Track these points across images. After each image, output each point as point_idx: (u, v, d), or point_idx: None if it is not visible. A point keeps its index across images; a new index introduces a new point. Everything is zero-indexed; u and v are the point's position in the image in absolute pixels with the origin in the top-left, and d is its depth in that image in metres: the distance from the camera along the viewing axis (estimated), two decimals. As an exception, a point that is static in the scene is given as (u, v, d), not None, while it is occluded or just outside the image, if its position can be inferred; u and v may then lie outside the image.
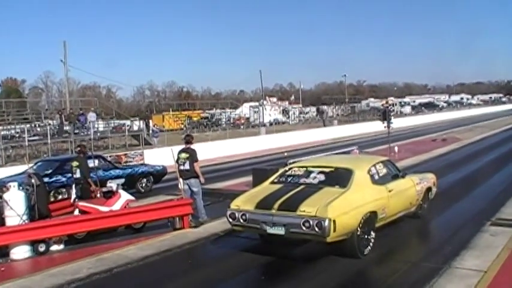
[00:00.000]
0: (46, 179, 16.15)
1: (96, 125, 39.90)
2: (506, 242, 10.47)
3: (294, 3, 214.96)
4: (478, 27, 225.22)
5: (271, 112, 71.76)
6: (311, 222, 9.16)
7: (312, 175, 10.97)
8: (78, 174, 14.06)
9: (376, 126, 37.42)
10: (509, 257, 9.63)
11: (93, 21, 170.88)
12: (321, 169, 11.14)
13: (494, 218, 12.56)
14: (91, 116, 40.43)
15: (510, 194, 15.45)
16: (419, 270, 9.31)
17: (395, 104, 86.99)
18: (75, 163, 14.27)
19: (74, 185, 14.20)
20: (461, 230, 11.78)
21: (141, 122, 43.43)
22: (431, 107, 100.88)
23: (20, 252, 11.11)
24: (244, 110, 75.30)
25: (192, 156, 13.48)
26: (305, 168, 11.43)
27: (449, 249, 10.25)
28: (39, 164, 19.45)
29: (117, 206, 13.15)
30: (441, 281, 8.54)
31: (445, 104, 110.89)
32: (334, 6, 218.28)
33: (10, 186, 11.76)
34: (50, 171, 18.06)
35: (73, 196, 13.92)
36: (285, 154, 23.87)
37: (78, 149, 14.95)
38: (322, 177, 10.81)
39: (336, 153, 20.13)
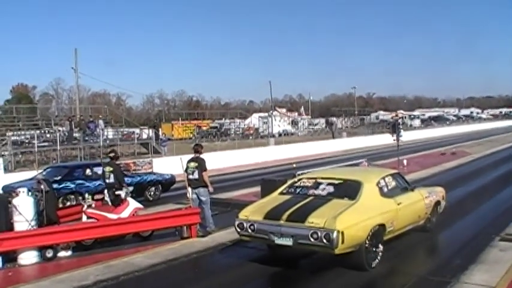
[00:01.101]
0: (55, 185, 16.22)
1: (105, 133, 40.03)
2: (515, 258, 10.41)
3: (305, 15, 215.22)
4: (490, 42, 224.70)
5: (280, 123, 71.82)
6: (319, 234, 9.13)
7: (321, 187, 10.94)
8: (111, 179, 14.06)
9: (385, 139, 37.34)
10: (518, 272, 9.56)
11: (105, 29, 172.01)
12: (329, 181, 11.11)
13: (503, 233, 12.47)
14: (100, 123, 40.57)
15: (520, 209, 15.38)
16: (427, 284, 9.26)
17: (405, 117, 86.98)
18: (108, 168, 14.24)
19: (106, 190, 14.24)
20: (470, 245, 11.72)
21: (150, 130, 43.54)
22: (441, 120, 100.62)
23: (28, 258, 11.14)
24: (254, 120, 75.43)
25: (201, 166, 13.50)
26: (314, 180, 11.41)
27: (458, 263, 10.20)
28: (48, 170, 19.56)
29: (125, 213, 13.18)
30: (449, 295, 8.50)
31: (454, 118, 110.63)
32: (345, 19, 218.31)
33: (19, 191, 11.82)
34: (59, 177, 18.15)
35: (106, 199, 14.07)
36: (294, 165, 23.85)
37: (112, 154, 14.92)
38: (331, 188, 10.78)
39: (345, 166, 20.09)
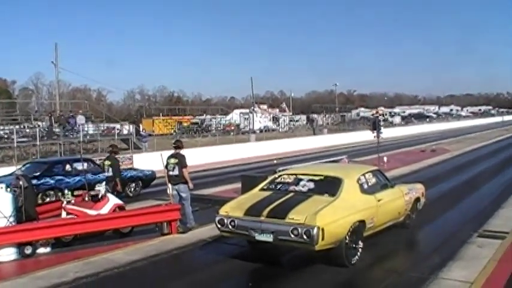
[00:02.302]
0: (34, 181, 16.06)
1: (85, 128, 39.73)
2: (492, 254, 10.52)
3: (286, 12, 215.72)
4: (470, 40, 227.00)
5: (261, 119, 71.73)
6: (299, 230, 9.15)
7: (302, 183, 10.97)
8: (110, 173, 14.76)
9: (365, 136, 37.54)
10: (495, 268, 9.68)
11: (86, 23, 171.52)
12: (310, 177, 11.14)
13: (481, 230, 12.62)
14: (80, 118, 40.25)
15: (498, 205, 15.57)
16: (406, 280, 9.33)
17: (386, 114, 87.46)
18: (107, 162, 14.97)
19: (104, 183, 14.41)
20: (449, 241, 11.83)
21: (131, 126, 43.32)
22: (421, 117, 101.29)
23: (6, 254, 11.03)
24: (235, 116, 75.23)
25: (181, 162, 13.47)
26: (295, 176, 11.43)
27: (437, 259, 10.28)
28: (27, 165, 19.38)
29: (105, 209, 13.09)
30: (428, 291, 8.57)
31: (434, 115, 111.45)
32: (326, 16, 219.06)
33: (-3, 187, 11.68)
34: (38, 173, 17.97)
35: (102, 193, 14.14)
36: (275, 162, 23.90)
37: (110, 148, 15.79)
38: (311, 185, 10.81)
39: (326, 162, 20.15)
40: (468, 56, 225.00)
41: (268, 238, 9.63)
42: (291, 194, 10.56)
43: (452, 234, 12.49)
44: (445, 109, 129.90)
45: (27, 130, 38.08)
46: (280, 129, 72.82)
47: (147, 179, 20.70)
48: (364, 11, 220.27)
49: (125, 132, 42.32)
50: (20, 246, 11.17)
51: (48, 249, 11.72)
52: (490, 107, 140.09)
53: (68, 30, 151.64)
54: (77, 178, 18.08)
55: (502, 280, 9.14)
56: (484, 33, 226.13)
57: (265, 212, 9.84)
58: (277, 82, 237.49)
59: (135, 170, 21.70)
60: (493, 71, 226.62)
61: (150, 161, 22.98)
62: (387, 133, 35.01)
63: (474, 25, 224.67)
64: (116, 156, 15.70)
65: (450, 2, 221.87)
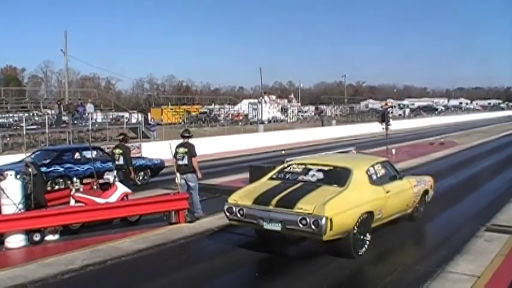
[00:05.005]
0: (43, 169, 16.13)
1: (94, 116, 39.81)
2: (500, 248, 10.50)
3: (295, 2, 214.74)
4: (479, 33, 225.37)
5: (269, 110, 71.66)
6: (308, 220, 9.16)
7: (311, 173, 10.96)
8: (121, 161, 14.76)
9: (374, 128, 37.42)
10: (502, 263, 9.66)
11: (95, 13, 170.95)
12: (319, 167, 11.13)
13: (489, 224, 12.58)
14: (89, 107, 40.32)
15: (506, 200, 15.50)
16: (412, 273, 9.31)
17: (394, 106, 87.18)
18: (118, 150, 14.93)
19: (115, 171, 14.60)
20: (456, 235, 11.81)
21: (140, 114, 43.34)
22: (430, 110, 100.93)
23: (15, 241, 11.08)
24: (243, 106, 75.23)
25: (191, 151, 13.48)
26: (304, 166, 11.41)
27: (444, 253, 10.28)
28: (37, 153, 19.41)
29: (113, 198, 13.12)
30: (434, 284, 8.56)
31: (443, 108, 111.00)
32: (335, 6, 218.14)
33: (7, 174, 11.72)
34: (47, 161, 18.01)
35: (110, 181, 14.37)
36: (283, 152, 23.80)
37: (121, 137, 15.67)
38: (320, 175, 10.80)
39: (334, 153, 20.10)
40: (477, 50, 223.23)
41: (277, 227, 9.65)
42: (300, 184, 10.57)
43: (459, 227, 12.47)
44: (454, 102, 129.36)
45: (36, 118, 38.18)
46: (289, 120, 72.73)
47: (155, 168, 20.74)
48: (373, 4, 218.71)
49: (134, 121, 42.37)
50: (29, 233, 11.23)
51: (56, 237, 11.78)
52: (500, 101, 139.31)
53: (77, 19, 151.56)
54: (86, 166, 18.14)
55: (509, 275, 9.11)
56: (493, 26, 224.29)
57: (274, 201, 9.85)
58: (286, 73, 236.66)
59: (143, 158, 21.72)
60: (502, 64, 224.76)
61: (158, 150, 23.03)
62: (396, 125, 34.91)
63: (484, 17, 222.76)
64: (126, 144, 15.61)
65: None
